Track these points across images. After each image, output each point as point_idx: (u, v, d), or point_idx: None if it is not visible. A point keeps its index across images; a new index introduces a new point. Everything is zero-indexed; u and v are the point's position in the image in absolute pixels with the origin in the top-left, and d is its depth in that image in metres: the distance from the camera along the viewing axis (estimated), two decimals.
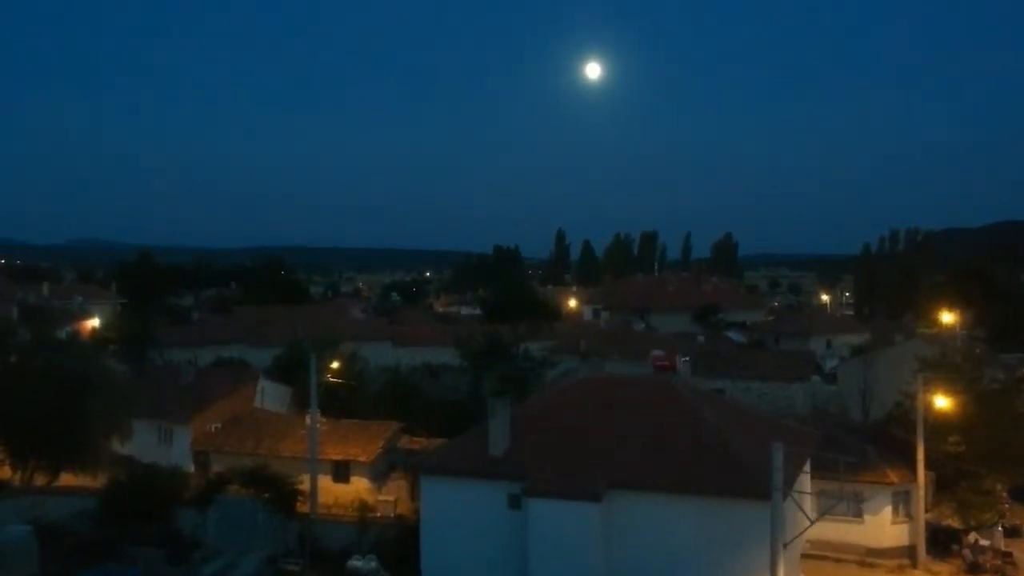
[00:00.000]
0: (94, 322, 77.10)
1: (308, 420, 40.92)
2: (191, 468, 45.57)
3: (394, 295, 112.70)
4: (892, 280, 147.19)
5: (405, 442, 44.02)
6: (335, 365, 41.77)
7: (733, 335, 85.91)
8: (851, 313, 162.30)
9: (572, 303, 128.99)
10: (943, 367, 39.59)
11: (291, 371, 52.35)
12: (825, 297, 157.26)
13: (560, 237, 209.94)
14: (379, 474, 42.79)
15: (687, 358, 46.01)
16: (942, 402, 35.67)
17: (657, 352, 48.69)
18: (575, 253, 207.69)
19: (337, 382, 41.44)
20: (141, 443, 46.34)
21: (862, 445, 38.57)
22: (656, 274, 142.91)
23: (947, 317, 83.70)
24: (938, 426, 35.91)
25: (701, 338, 75.35)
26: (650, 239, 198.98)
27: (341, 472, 42.71)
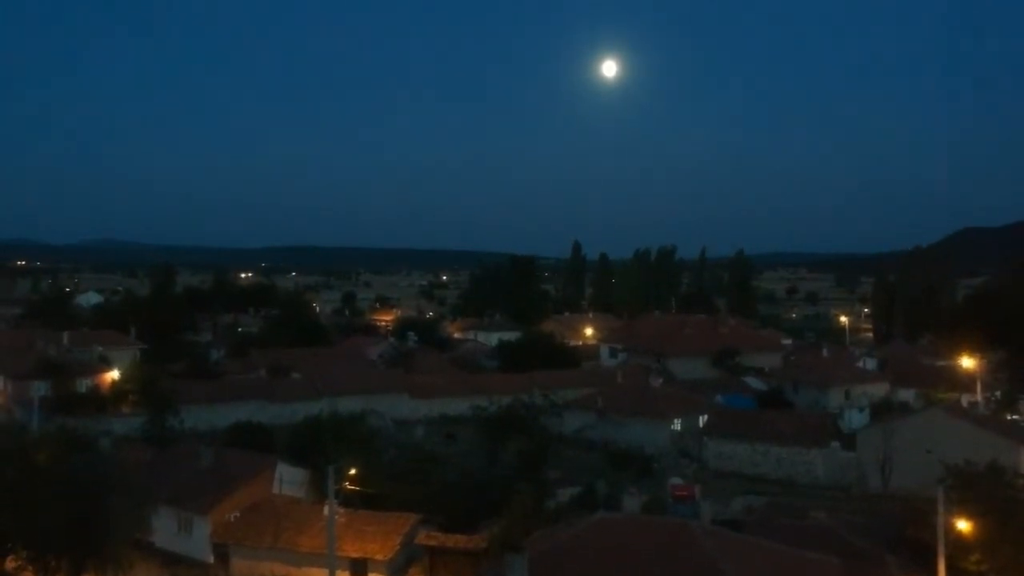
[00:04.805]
0: (113, 374, 77.89)
1: (326, 511, 41.08)
2: (210, 559, 45.96)
3: (411, 335, 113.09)
4: (911, 297, 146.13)
5: (423, 537, 44.02)
6: (352, 472, 41.93)
7: (751, 381, 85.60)
8: (870, 331, 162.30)
9: (588, 331, 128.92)
10: (966, 475, 39.22)
11: (309, 448, 52.68)
12: (844, 319, 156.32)
13: (576, 248, 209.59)
14: (397, 569, 42.92)
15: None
16: (963, 524, 35.33)
17: (676, 480, 48.75)
18: (592, 255, 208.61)
19: (354, 489, 41.66)
20: (161, 530, 46.61)
21: (882, 553, 38.43)
22: (673, 309, 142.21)
23: (967, 362, 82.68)
24: (960, 544, 35.57)
25: (719, 398, 74.92)
26: (668, 255, 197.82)
27: (359, 568, 42.80)
